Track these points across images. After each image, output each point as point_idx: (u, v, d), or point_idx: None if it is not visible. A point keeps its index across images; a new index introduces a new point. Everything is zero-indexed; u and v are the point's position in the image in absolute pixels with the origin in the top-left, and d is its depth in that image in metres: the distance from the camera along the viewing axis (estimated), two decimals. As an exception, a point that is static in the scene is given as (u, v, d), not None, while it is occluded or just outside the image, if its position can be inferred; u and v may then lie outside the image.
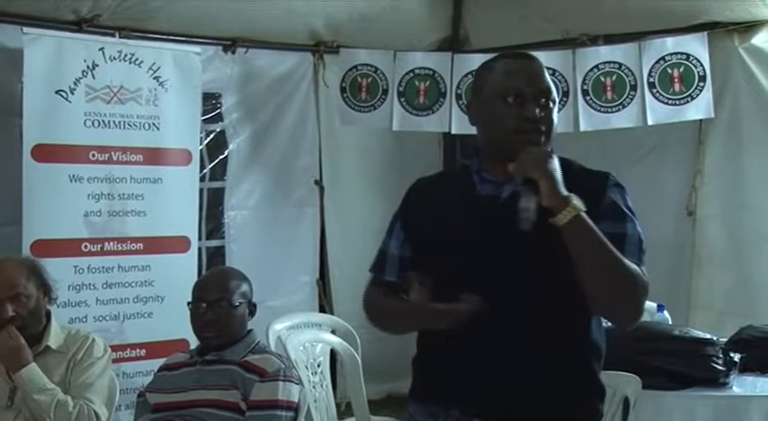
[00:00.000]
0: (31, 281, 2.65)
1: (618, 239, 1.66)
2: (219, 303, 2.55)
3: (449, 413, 1.75)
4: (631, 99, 4.45)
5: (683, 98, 4.37)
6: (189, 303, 2.60)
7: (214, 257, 4.59)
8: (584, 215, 1.61)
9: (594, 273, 1.62)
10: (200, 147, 4.34)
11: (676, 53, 4.36)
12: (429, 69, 4.72)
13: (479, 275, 1.69)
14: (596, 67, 4.48)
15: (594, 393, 1.79)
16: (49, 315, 2.71)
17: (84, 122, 3.78)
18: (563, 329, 1.70)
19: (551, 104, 1.74)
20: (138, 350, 3.91)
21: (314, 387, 3.38)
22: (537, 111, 1.71)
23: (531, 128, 1.70)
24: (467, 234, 1.72)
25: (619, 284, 1.64)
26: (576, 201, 1.61)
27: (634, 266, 1.65)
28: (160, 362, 2.76)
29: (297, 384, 2.53)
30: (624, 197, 1.75)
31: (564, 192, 1.62)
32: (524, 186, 1.64)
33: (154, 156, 3.97)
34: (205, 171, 4.49)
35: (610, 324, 1.79)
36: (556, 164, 1.65)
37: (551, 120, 1.74)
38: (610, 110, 4.49)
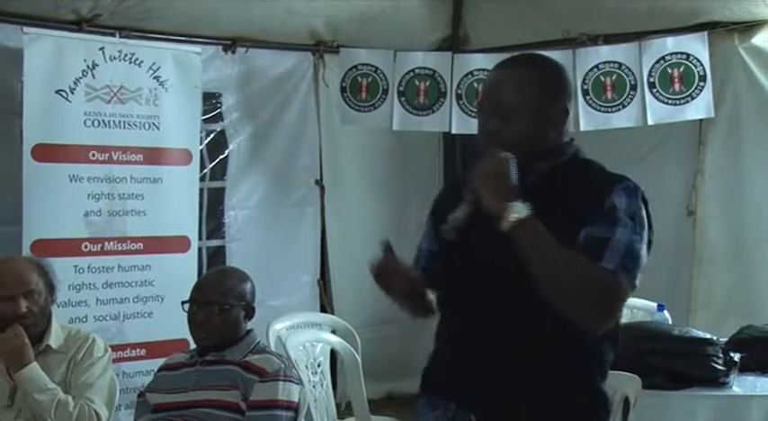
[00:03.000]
0: (41, 278, 2.67)
1: (598, 243, 1.64)
2: (211, 305, 2.54)
3: (448, 406, 1.81)
4: (631, 99, 4.45)
5: (684, 98, 4.36)
6: (183, 303, 2.60)
7: (214, 257, 4.59)
8: (530, 221, 1.63)
9: (542, 278, 1.62)
10: (201, 147, 4.34)
11: (676, 53, 4.36)
12: (429, 69, 4.72)
13: (474, 274, 1.76)
14: (596, 66, 4.49)
15: (587, 396, 1.76)
16: (50, 315, 2.71)
17: (85, 122, 3.78)
18: (555, 331, 1.68)
19: (513, 116, 1.75)
20: (138, 350, 3.91)
21: (314, 387, 3.37)
22: (494, 124, 1.75)
23: (485, 141, 1.77)
24: (466, 235, 1.73)
25: (568, 290, 1.62)
26: (518, 209, 1.63)
27: (599, 271, 1.62)
28: (160, 361, 2.76)
29: (297, 384, 2.53)
30: (631, 202, 1.70)
31: (507, 199, 1.64)
32: (471, 193, 1.70)
33: (154, 155, 3.97)
34: (205, 171, 4.49)
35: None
36: (510, 170, 1.68)
37: (506, 131, 1.75)
38: (610, 110, 4.49)
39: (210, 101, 4.52)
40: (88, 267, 3.78)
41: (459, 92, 4.67)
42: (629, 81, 4.44)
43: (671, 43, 4.38)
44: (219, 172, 4.62)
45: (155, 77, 3.95)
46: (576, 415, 1.75)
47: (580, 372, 1.75)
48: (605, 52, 4.51)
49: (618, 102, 4.47)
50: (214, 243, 4.61)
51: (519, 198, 1.66)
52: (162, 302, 3.93)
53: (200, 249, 4.31)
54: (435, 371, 1.87)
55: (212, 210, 4.58)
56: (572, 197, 1.70)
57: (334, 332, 3.71)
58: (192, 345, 2.69)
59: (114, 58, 3.85)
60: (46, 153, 3.67)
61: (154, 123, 3.96)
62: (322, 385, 3.46)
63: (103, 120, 3.83)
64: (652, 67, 4.40)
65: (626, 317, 3.71)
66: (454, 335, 1.83)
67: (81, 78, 3.76)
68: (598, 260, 1.63)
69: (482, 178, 1.70)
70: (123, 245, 3.89)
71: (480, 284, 1.75)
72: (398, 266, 1.82)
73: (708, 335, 2.97)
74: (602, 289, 1.63)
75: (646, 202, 1.74)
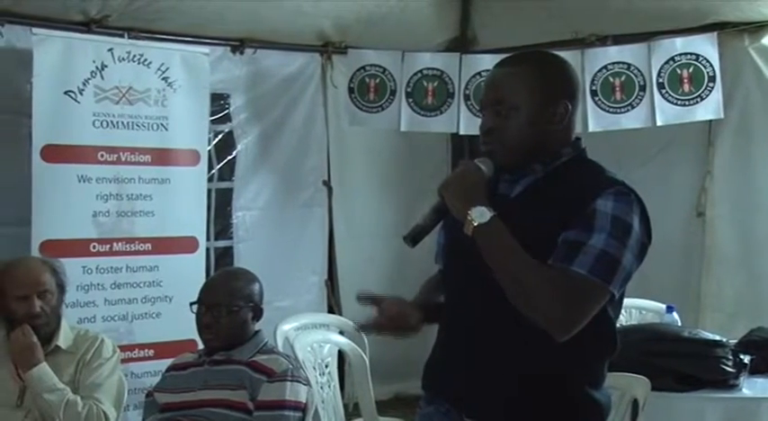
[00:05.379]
0: (53, 278, 2.69)
1: (571, 247, 1.61)
2: (218, 307, 2.55)
3: (441, 403, 1.81)
4: (640, 99, 4.43)
5: (693, 98, 4.35)
6: (191, 304, 2.61)
7: (222, 258, 4.60)
8: (492, 226, 1.62)
9: (502, 282, 1.62)
10: (209, 148, 4.34)
11: (686, 53, 4.35)
12: (437, 70, 4.72)
13: (459, 276, 1.79)
14: (605, 67, 4.48)
15: (572, 401, 1.72)
16: (59, 315, 2.72)
17: (93, 123, 3.78)
18: (535, 335, 1.62)
19: (513, 112, 1.72)
20: (146, 350, 3.91)
21: (321, 388, 3.37)
22: (492, 121, 1.74)
23: (481, 137, 1.77)
24: (457, 234, 1.71)
25: (527, 294, 1.60)
26: (479, 213, 1.62)
27: (562, 276, 1.59)
28: (168, 362, 2.77)
29: (305, 385, 2.53)
30: (617, 207, 1.64)
31: (468, 205, 1.64)
32: (440, 199, 1.72)
33: (162, 156, 3.97)
34: (213, 171, 4.49)
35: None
36: (479, 175, 1.69)
37: (504, 128, 1.73)
38: (619, 110, 4.47)
39: (218, 102, 4.53)
40: (96, 268, 3.79)
41: (467, 92, 4.67)
42: (638, 82, 4.43)
43: (680, 44, 4.37)
44: (227, 172, 4.62)
45: (163, 78, 3.96)
46: (559, 419, 1.72)
47: (562, 377, 1.70)
48: (614, 53, 4.50)
49: (627, 102, 4.46)
50: (222, 244, 4.61)
51: (486, 203, 1.65)
52: (170, 303, 3.94)
53: (208, 250, 4.32)
54: (429, 367, 1.87)
55: (220, 210, 4.58)
56: (562, 201, 1.67)
57: (341, 333, 3.71)
58: (201, 346, 2.69)
59: (123, 58, 3.85)
60: (55, 154, 3.68)
61: (162, 124, 3.96)
62: (330, 386, 3.46)
63: (112, 121, 3.83)
64: (661, 68, 4.38)
65: (635, 318, 3.70)
66: (444, 333, 1.84)
67: (90, 79, 3.76)
68: (569, 264, 1.60)
69: (448, 183, 1.71)
70: (131, 245, 3.90)
71: (465, 286, 1.77)
72: (399, 309, 1.82)
73: (717, 337, 2.96)
74: (565, 294, 1.59)
75: (642, 207, 1.69)
